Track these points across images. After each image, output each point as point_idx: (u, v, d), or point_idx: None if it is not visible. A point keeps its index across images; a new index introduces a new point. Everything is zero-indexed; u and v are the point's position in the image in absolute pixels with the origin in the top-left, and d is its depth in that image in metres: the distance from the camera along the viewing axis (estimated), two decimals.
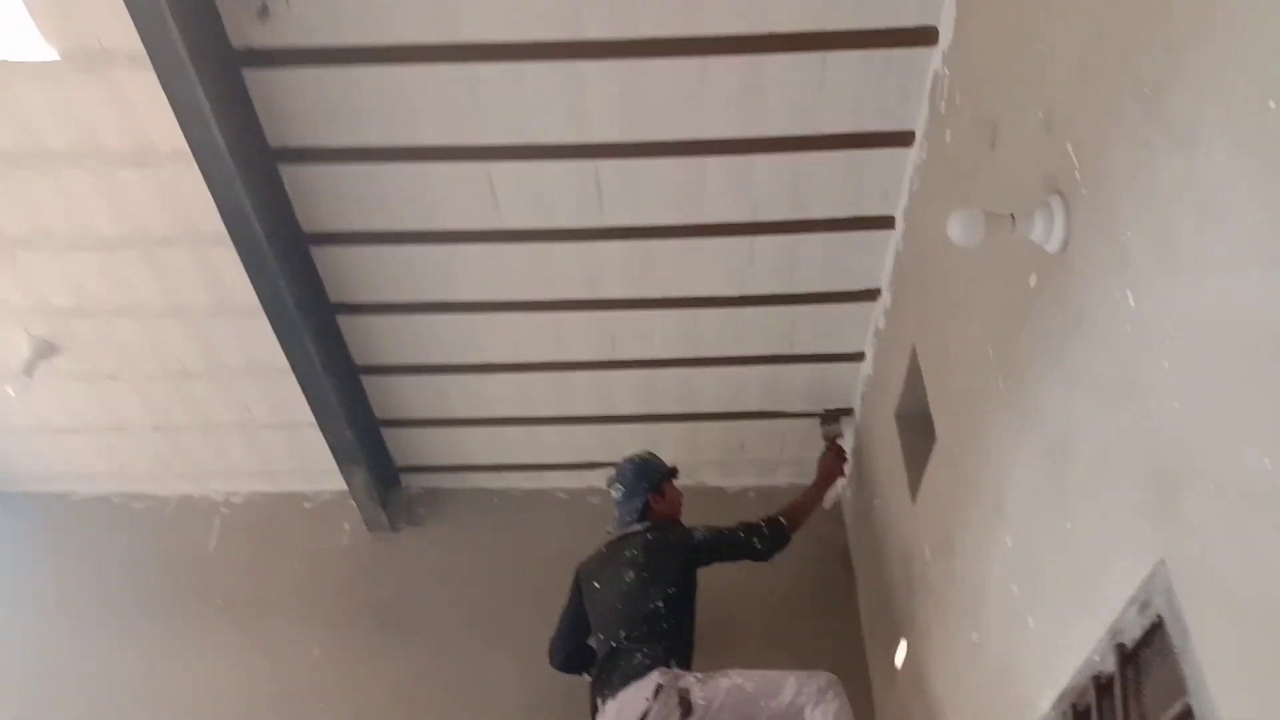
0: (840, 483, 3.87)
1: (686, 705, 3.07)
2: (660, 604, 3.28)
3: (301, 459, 4.27)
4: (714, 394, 4.03)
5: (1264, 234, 1.29)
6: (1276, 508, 1.27)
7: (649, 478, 3.62)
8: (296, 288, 3.30)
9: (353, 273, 3.48)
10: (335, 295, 3.56)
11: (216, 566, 4.27)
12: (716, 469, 4.38)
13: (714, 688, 3.11)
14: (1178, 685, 1.49)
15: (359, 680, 3.93)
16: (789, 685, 3.06)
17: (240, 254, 3.11)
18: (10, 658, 4.01)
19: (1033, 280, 2.05)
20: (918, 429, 3.12)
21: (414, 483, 4.47)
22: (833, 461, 3.88)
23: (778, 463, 4.33)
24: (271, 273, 3.17)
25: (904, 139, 3.02)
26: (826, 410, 4.08)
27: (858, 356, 3.83)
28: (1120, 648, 1.67)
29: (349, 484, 4.07)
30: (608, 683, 3.24)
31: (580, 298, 3.55)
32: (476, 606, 4.08)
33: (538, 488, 4.44)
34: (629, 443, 4.16)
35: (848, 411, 4.08)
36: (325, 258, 3.42)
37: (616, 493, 3.64)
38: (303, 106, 2.95)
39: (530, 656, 3.83)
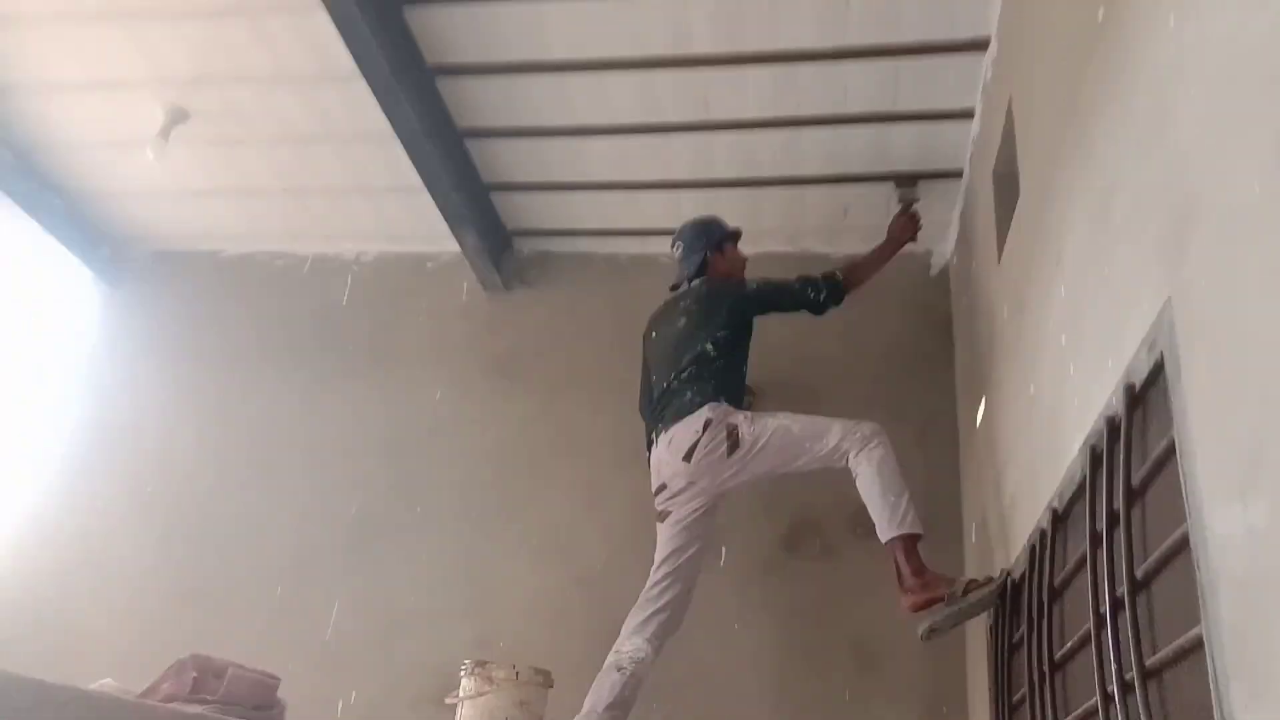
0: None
1: (735, 439, 3.20)
2: (709, 346, 3.38)
3: (420, 222, 4.47)
4: (816, 156, 3.95)
5: None
6: (1264, 239, 1.22)
7: (708, 235, 3.67)
8: (391, 50, 3.38)
9: (447, 33, 3.52)
10: (431, 57, 3.62)
11: (351, 318, 4.64)
12: (819, 235, 4.35)
13: (762, 426, 3.21)
14: (1169, 422, 1.50)
15: (475, 421, 4.31)
16: (835, 430, 3.12)
17: (334, 19, 3.20)
18: (179, 399, 4.58)
19: (1100, 14, 1.90)
20: (1009, 188, 3.01)
21: (525, 246, 4.65)
22: (905, 225, 3.78)
23: (884, 228, 4.25)
24: (364, 36, 3.25)
25: None
26: (900, 175, 3.96)
27: (967, 114, 3.65)
28: (1129, 389, 1.67)
29: (462, 245, 4.29)
30: (661, 418, 3.41)
31: (669, 54, 3.48)
32: (581, 361, 4.33)
33: (641, 253, 4.52)
34: (729, 208, 4.18)
35: (919, 178, 3.96)
36: (418, 18, 3.46)
37: (677, 250, 3.70)
38: None
39: (628, 407, 4.08)
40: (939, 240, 4.28)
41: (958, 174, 3.92)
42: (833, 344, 4.14)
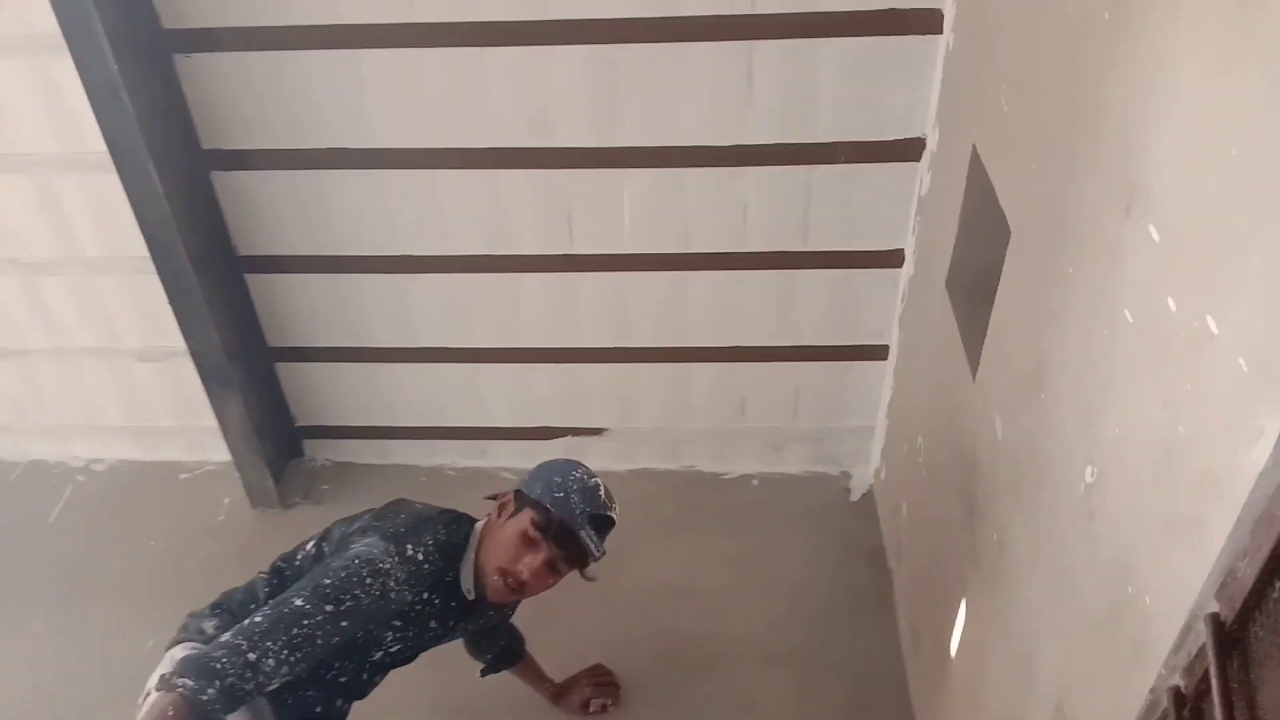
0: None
1: None
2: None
3: (181, 411, 3.34)
4: (709, 314, 3.06)
5: None
6: None
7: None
8: (150, 125, 2.50)
9: (226, 112, 2.67)
10: (209, 141, 2.74)
11: (55, 540, 3.27)
12: (708, 446, 3.37)
13: None
14: None
15: None
16: None
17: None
18: None
19: None
20: (975, 280, 2.18)
21: (322, 453, 3.49)
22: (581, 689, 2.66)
23: (786, 436, 3.31)
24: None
25: None
26: None
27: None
28: None
29: (221, 422, 3.11)
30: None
31: (523, 145, 2.69)
32: None
33: (478, 466, 3.44)
34: (596, 398, 3.23)
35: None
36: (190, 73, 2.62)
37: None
38: None
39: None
40: (856, 463, 3.36)
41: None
42: (730, 578, 3.02)
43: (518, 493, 1.99)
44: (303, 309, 3.08)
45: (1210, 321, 1.12)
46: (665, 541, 3.10)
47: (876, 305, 2.96)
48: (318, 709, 2.01)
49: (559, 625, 2.76)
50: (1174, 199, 1.22)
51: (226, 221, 2.89)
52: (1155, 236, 1.26)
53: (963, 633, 2.16)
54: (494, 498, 2.06)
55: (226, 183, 2.81)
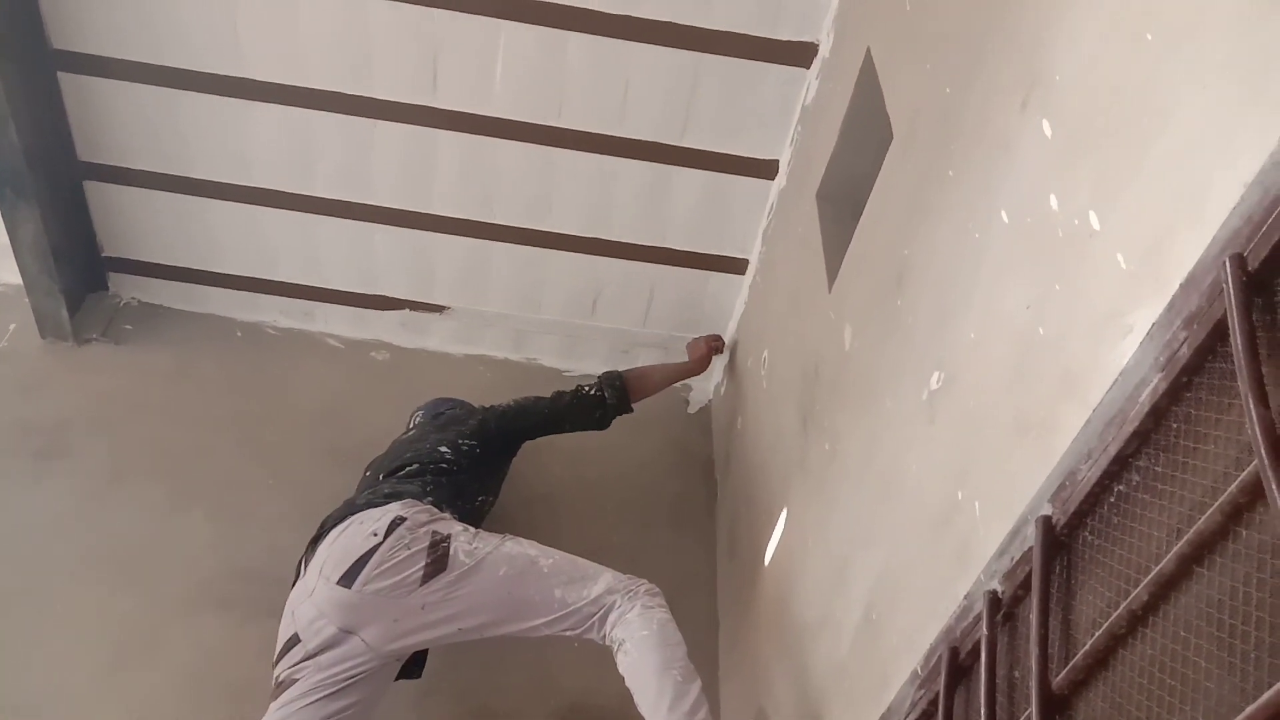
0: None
1: (440, 554, 1.92)
2: (444, 449, 2.33)
3: None
4: (573, 198, 2.90)
5: None
6: None
7: (455, 402, 2.74)
8: None
9: None
10: None
11: None
12: (555, 340, 3.24)
13: (489, 545, 1.99)
14: None
15: None
16: (603, 579, 2.02)
17: None
18: None
19: None
20: (848, 193, 2.12)
21: (128, 290, 3.16)
22: (706, 347, 3.01)
23: (635, 341, 3.22)
24: None
25: None
26: None
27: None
28: None
29: (12, 236, 2.76)
30: (323, 531, 2.08)
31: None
32: (169, 442, 2.78)
33: (304, 329, 3.20)
34: (443, 272, 3.04)
35: None
36: None
37: (412, 423, 2.68)
38: None
39: (226, 518, 2.59)
40: (700, 377, 3.30)
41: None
42: (565, 472, 2.93)
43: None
44: (124, 122, 2.74)
45: (1093, 217, 1.07)
46: None
47: (743, 215, 2.88)
48: None
49: None
50: (1075, 88, 1.15)
51: (40, 6, 2.52)
52: (1047, 131, 1.20)
53: (780, 541, 2.14)
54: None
55: None
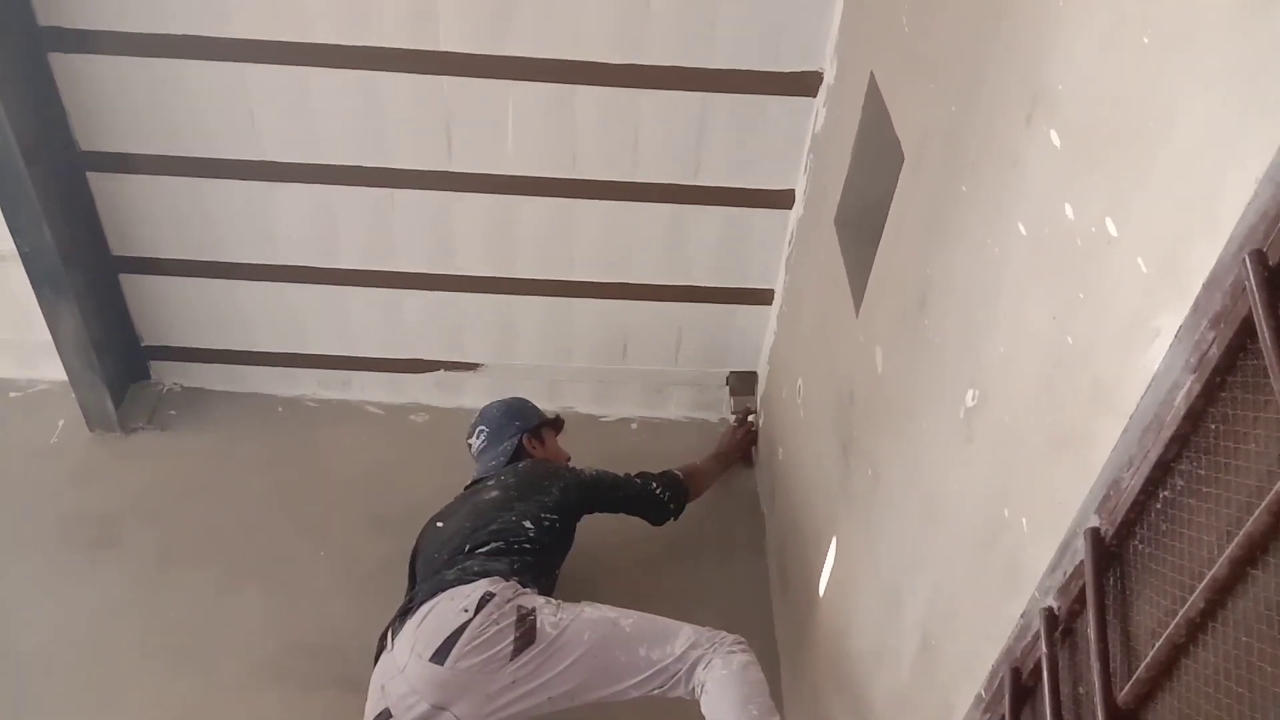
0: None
1: (528, 628, 1.98)
2: (528, 523, 2.33)
3: (11, 323, 3.04)
4: (594, 247, 2.92)
5: None
6: None
7: (523, 418, 2.76)
8: None
9: None
10: (48, 17, 2.45)
11: None
12: (588, 387, 3.26)
13: (572, 615, 2.05)
14: None
15: (26, 609, 2.60)
16: (684, 633, 2.05)
17: None
18: None
19: None
20: (863, 218, 2.12)
21: (170, 376, 3.23)
22: (744, 438, 3.08)
23: (668, 380, 3.23)
24: None
25: None
26: (734, 375, 3.21)
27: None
28: None
29: (54, 334, 2.84)
30: (408, 607, 2.13)
31: (402, 46, 2.49)
32: (217, 526, 2.82)
33: (342, 398, 3.25)
34: (473, 330, 3.08)
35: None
36: None
37: (479, 438, 2.71)
38: None
39: (286, 596, 2.63)
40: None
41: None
42: (606, 521, 2.92)
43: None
44: (152, 214, 2.82)
45: (1109, 224, 1.06)
46: None
47: (764, 247, 2.89)
48: None
49: None
50: (1079, 99, 1.16)
51: (67, 111, 2.61)
52: (1056, 142, 1.20)
53: (832, 572, 2.12)
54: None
55: (68, 67, 2.54)
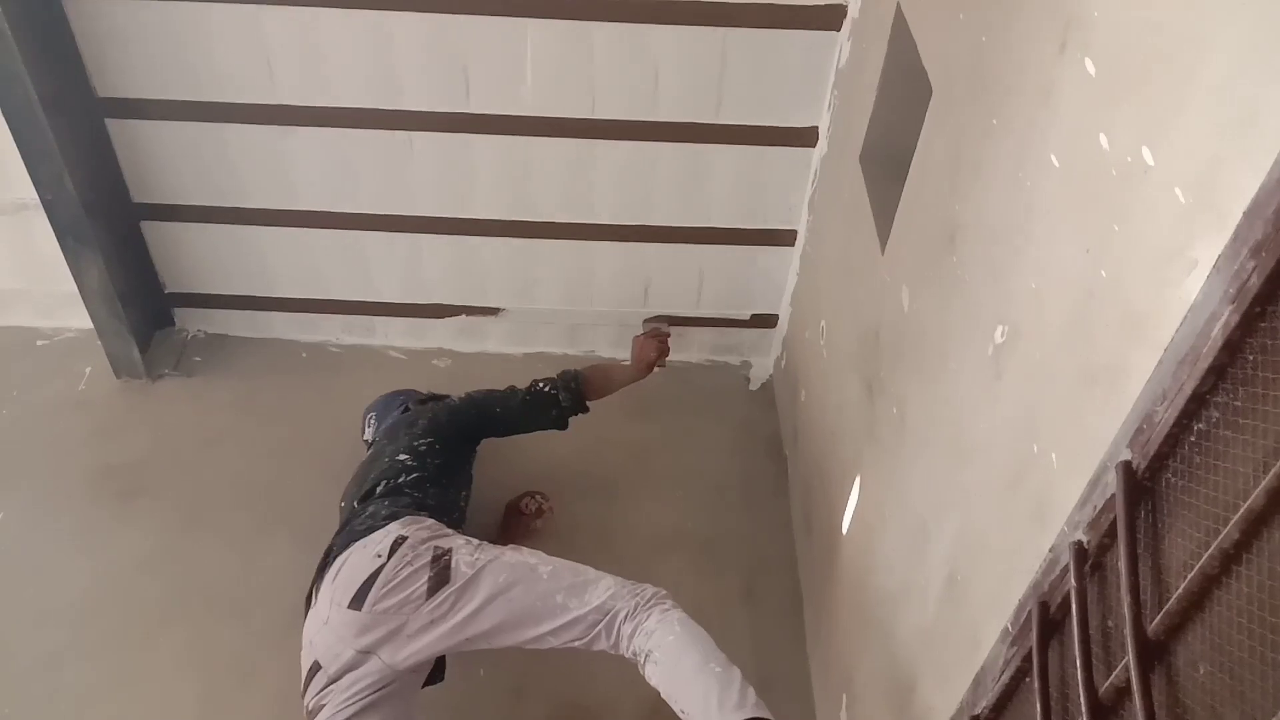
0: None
1: (443, 567, 2.00)
2: (402, 456, 2.35)
3: (35, 272, 3.06)
4: (615, 189, 2.90)
5: None
6: None
7: (405, 394, 2.80)
8: None
9: None
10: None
11: None
12: (609, 331, 3.25)
13: (491, 556, 2.04)
14: None
15: (57, 560, 2.65)
16: (603, 584, 2.01)
17: None
18: None
19: None
20: (890, 152, 2.09)
21: (194, 323, 3.25)
22: (647, 345, 2.76)
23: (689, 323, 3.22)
24: None
25: None
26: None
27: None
28: None
29: (79, 284, 2.85)
30: (325, 563, 2.16)
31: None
32: (243, 477, 2.85)
33: (366, 344, 3.27)
34: (494, 275, 3.07)
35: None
36: None
37: (370, 427, 2.76)
38: None
39: (318, 543, 2.65)
40: (758, 353, 3.30)
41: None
42: (629, 463, 2.95)
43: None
44: (171, 161, 2.81)
45: (1146, 153, 1.04)
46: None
47: (787, 187, 2.86)
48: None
49: None
50: (1113, 24, 1.12)
51: (83, 57, 2.59)
52: (1091, 70, 1.17)
53: (855, 511, 2.13)
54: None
55: (84, 13, 2.51)
